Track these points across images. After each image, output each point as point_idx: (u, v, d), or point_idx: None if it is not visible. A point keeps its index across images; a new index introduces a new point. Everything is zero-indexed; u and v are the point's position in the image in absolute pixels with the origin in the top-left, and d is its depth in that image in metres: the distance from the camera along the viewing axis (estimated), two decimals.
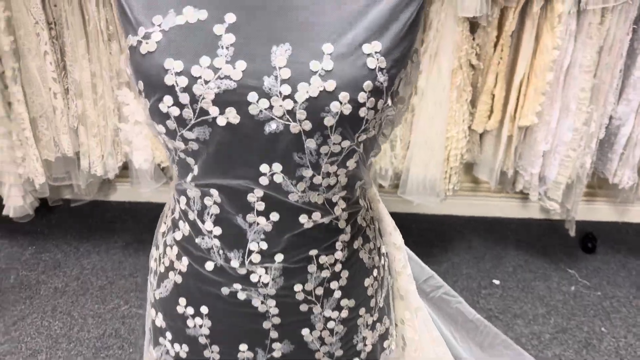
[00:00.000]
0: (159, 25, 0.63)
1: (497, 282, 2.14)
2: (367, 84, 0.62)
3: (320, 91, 0.61)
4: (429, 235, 2.38)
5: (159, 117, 0.64)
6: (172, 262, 0.77)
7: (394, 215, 0.90)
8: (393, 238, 0.87)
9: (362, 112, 0.63)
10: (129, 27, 0.65)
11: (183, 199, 0.73)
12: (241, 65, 0.62)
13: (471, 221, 2.48)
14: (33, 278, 2.14)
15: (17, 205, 2.17)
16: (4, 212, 2.19)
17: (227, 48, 0.62)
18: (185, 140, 0.65)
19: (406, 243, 0.89)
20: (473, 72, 1.97)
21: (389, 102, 0.66)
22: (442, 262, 2.24)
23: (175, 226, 0.76)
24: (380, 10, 0.63)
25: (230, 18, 0.63)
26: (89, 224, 2.41)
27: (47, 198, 2.30)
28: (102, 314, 1.97)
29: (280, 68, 0.61)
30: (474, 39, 1.92)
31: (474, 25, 1.92)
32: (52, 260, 2.23)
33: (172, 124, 0.64)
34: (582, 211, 2.26)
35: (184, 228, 0.74)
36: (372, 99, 0.63)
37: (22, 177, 2.09)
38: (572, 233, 2.17)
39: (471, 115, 2.02)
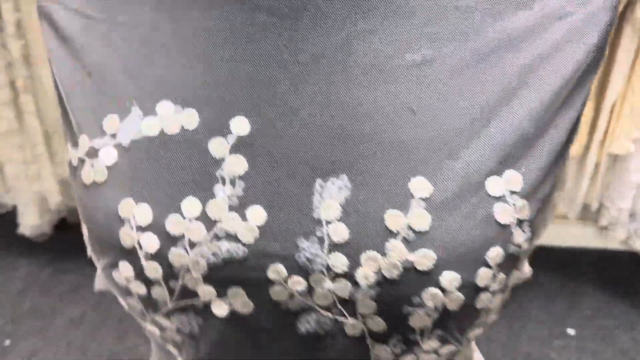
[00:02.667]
0: (114, 136, 0.36)
1: (572, 332, 1.84)
2: (495, 253, 0.34)
3: (404, 269, 0.33)
4: None
5: (116, 288, 0.37)
6: None
7: None
8: None
9: (483, 300, 0.35)
10: (68, 130, 0.38)
11: None
12: (257, 215, 0.35)
13: (541, 251, 2.17)
14: (49, 305, 1.97)
15: (33, 224, 2.01)
16: (20, 231, 2.03)
17: (232, 183, 0.35)
18: (161, 328, 0.38)
19: None
20: None
21: (526, 263, 0.39)
22: (508, 302, 1.94)
23: None
24: (526, 106, 0.36)
25: (241, 126, 0.35)
26: None
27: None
28: (119, 353, 1.77)
29: (328, 222, 0.34)
30: None
31: None
32: (70, 284, 2.05)
33: (135, 304, 0.37)
34: None
35: None
36: (502, 274, 0.35)
37: (37, 194, 1.93)
38: None
39: None
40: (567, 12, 0.36)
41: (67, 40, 0.39)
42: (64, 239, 2.21)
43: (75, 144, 0.38)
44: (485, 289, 0.35)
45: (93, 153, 0.37)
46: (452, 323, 0.35)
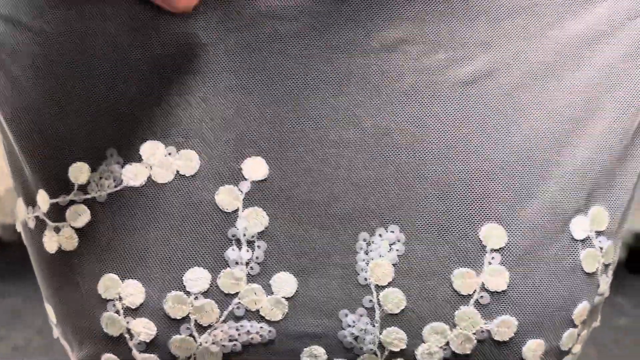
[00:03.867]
0: (83, 189, 0.27)
1: None
2: (582, 309, 0.29)
3: (478, 341, 0.27)
4: None
5: None
6: None
7: None
8: None
9: None
10: (19, 182, 0.29)
11: None
12: (285, 284, 0.27)
13: None
14: None
15: None
16: None
17: (249, 244, 0.27)
18: None
19: None
20: None
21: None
22: None
23: None
24: (603, 130, 0.29)
25: (256, 169, 0.27)
26: None
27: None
28: None
29: (379, 288, 0.26)
30: None
31: None
32: (11, 309, 1.90)
33: None
34: None
35: None
36: (585, 331, 0.30)
37: None
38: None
39: None
40: None
41: (10, 62, 0.29)
42: (0, 260, 2.05)
43: (30, 201, 0.29)
44: (569, 351, 0.29)
45: (57, 212, 0.28)
46: None
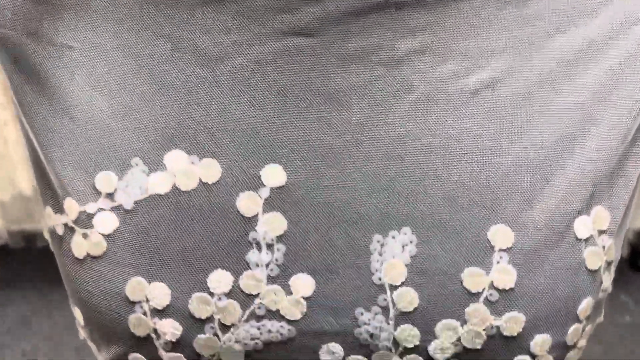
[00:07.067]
0: (111, 196, 0.29)
1: None
2: (586, 305, 0.30)
3: (488, 337, 0.28)
4: None
5: None
6: None
7: None
8: None
9: (570, 358, 0.31)
10: (46, 190, 0.31)
11: None
12: (304, 284, 0.29)
13: None
14: None
15: None
16: None
17: (269, 247, 0.28)
18: None
19: None
20: None
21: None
22: None
23: None
24: (604, 136, 0.31)
25: (274, 176, 0.29)
26: None
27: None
28: None
29: (393, 287, 0.28)
30: None
31: None
32: (18, 316, 1.91)
33: None
34: None
35: None
36: (589, 326, 0.32)
37: None
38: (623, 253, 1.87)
39: None
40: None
41: (38, 77, 0.30)
42: (7, 268, 2.05)
43: (58, 208, 0.31)
44: (574, 346, 0.30)
45: (85, 219, 0.29)
46: None
